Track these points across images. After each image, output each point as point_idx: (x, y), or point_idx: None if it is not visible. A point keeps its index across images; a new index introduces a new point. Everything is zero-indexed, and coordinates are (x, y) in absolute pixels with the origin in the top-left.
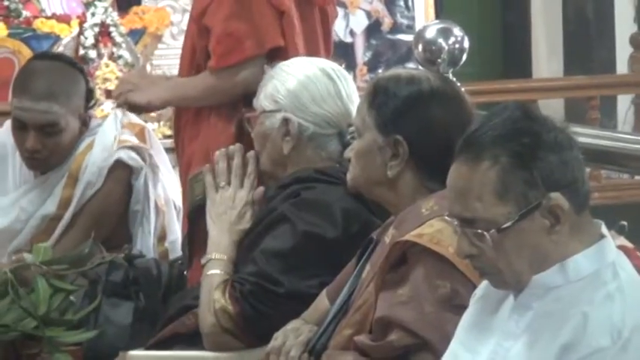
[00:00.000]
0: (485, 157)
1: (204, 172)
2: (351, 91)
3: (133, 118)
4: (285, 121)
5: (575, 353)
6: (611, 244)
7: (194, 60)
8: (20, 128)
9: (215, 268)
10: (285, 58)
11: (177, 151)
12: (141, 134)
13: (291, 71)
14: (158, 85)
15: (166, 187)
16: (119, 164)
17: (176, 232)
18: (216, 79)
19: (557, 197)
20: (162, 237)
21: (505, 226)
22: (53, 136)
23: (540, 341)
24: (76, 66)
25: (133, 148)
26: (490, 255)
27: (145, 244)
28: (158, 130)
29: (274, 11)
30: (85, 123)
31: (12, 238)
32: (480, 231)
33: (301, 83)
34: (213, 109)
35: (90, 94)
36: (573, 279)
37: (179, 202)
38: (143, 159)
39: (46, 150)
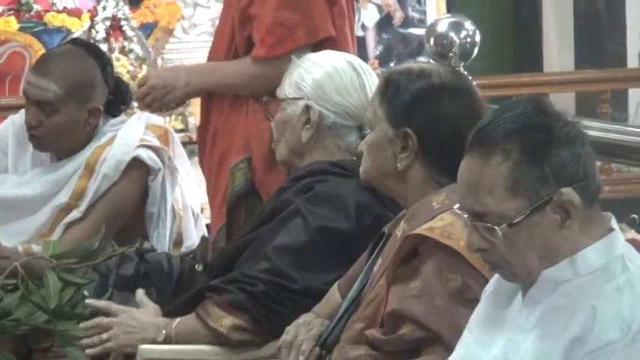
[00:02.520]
0: (497, 152)
1: None
2: (375, 87)
3: (158, 120)
4: (307, 109)
5: (584, 347)
6: (620, 237)
7: (231, 46)
8: (27, 103)
9: (171, 325)
10: (334, 49)
11: (205, 144)
12: (164, 137)
13: (319, 61)
14: (187, 74)
15: (185, 193)
16: (137, 162)
17: (193, 237)
18: (262, 68)
19: (568, 192)
20: (178, 242)
21: (516, 220)
22: (49, 116)
23: (550, 335)
24: (99, 58)
25: (152, 148)
26: (501, 249)
27: (161, 246)
28: (168, 124)
29: (327, 0)
30: (93, 116)
31: (26, 210)
32: (490, 225)
33: (327, 73)
34: (251, 97)
35: (119, 91)
36: (583, 273)
37: (197, 209)
38: (162, 160)
39: (42, 128)
